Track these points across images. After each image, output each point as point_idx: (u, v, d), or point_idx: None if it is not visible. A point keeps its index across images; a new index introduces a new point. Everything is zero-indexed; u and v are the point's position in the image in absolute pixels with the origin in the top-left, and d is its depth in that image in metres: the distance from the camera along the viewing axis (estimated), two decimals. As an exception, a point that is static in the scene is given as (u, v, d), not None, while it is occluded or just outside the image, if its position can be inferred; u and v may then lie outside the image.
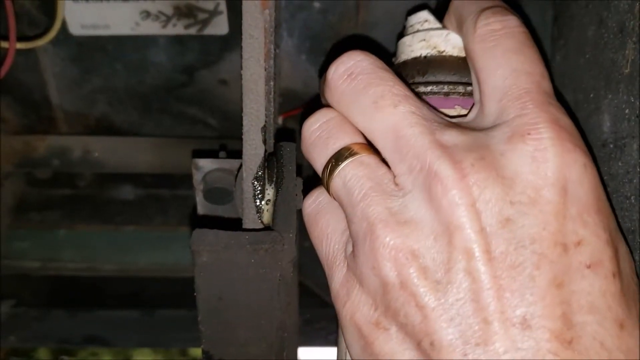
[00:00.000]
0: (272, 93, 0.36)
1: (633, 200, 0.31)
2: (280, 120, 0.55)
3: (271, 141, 0.35)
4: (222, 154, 0.41)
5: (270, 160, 0.35)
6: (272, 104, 0.35)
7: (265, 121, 0.33)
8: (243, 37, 0.32)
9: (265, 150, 0.33)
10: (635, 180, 0.31)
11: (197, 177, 0.40)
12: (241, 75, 0.33)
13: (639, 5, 0.33)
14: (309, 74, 0.55)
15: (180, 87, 0.55)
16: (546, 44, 0.46)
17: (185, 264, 0.60)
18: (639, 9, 0.33)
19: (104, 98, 0.56)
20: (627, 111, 0.33)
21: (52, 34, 0.44)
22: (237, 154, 0.39)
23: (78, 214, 0.63)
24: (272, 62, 0.35)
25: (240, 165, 0.34)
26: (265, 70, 0.33)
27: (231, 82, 0.55)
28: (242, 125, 0.33)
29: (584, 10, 0.39)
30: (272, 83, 0.35)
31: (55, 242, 0.64)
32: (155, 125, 0.58)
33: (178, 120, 0.58)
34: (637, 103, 0.32)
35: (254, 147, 0.33)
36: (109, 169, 0.55)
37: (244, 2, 0.32)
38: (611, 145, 0.35)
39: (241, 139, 0.34)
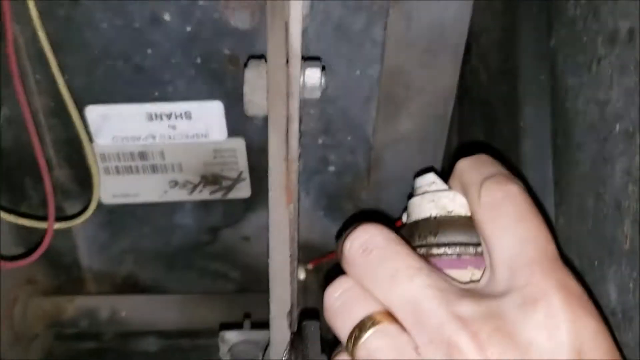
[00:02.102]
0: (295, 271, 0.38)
1: (645, 376, 0.32)
2: (309, 267, 0.57)
3: (296, 322, 0.37)
4: (246, 323, 0.43)
5: (296, 340, 0.37)
6: (296, 284, 0.37)
7: (291, 304, 0.35)
8: (270, 228, 0.35)
9: (291, 333, 0.35)
10: (646, 356, 0.32)
11: (223, 349, 0.42)
12: (268, 260, 0.36)
13: (632, 185, 0.35)
14: (325, 228, 0.58)
15: (204, 245, 0.58)
16: (549, 202, 0.48)
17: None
18: (632, 189, 0.35)
19: (131, 258, 0.58)
20: (631, 285, 0.35)
21: (88, 213, 0.48)
22: (261, 324, 0.41)
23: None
24: (295, 245, 0.37)
25: (267, 345, 0.36)
26: (290, 256, 0.35)
27: (253, 238, 0.58)
28: (269, 309, 0.35)
29: (582, 181, 0.42)
30: (295, 264, 0.38)
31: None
32: (179, 281, 0.60)
33: (202, 275, 0.60)
34: (640, 280, 0.33)
35: (280, 333, 0.34)
36: (135, 327, 0.57)
37: (270, 198, 0.35)
38: (620, 315, 0.36)
39: (265, 300, 0.36)
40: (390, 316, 0.30)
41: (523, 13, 0.50)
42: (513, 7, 0.51)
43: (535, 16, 0.49)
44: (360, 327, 0.30)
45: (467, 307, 0.28)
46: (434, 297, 0.29)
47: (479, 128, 0.60)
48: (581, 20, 0.42)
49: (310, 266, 0.58)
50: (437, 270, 0.32)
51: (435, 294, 0.29)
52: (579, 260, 0.42)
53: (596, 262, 0.39)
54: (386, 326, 0.30)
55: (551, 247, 0.30)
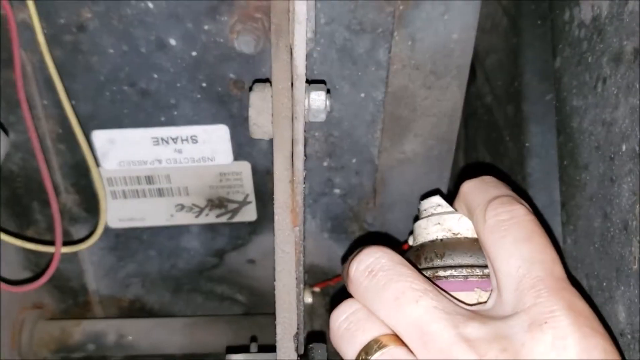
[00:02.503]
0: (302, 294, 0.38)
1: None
2: (316, 289, 0.57)
3: (302, 344, 0.37)
4: (253, 346, 0.43)
5: (303, 364, 0.36)
6: (302, 307, 0.37)
7: (298, 327, 0.35)
8: (276, 251, 0.35)
9: (298, 356, 0.35)
10: (656, 379, 0.32)
11: (230, 372, 0.41)
12: (274, 282, 0.36)
13: (639, 206, 0.35)
14: (331, 250, 0.58)
15: (210, 269, 0.58)
16: (556, 221, 0.48)
17: None
18: (639, 209, 0.35)
19: (137, 282, 0.58)
20: (640, 306, 0.35)
21: (95, 237, 0.48)
22: (267, 347, 0.41)
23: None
24: (301, 268, 0.37)
25: (274, 369, 0.36)
26: (296, 278, 0.35)
27: (259, 261, 0.58)
28: (275, 332, 0.35)
29: (589, 202, 0.41)
30: (301, 286, 0.38)
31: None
32: (185, 304, 0.60)
33: (208, 298, 0.60)
34: (650, 301, 0.33)
35: (287, 355, 0.34)
36: (142, 351, 0.57)
37: (276, 220, 0.35)
38: (629, 336, 0.36)
39: (272, 322, 0.36)
40: (397, 339, 0.30)
41: (528, 35, 0.51)
42: (518, 29, 0.52)
43: (539, 37, 0.50)
44: (367, 351, 0.30)
45: (474, 329, 0.28)
46: (441, 319, 0.29)
47: (485, 149, 0.60)
48: (586, 41, 0.42)
49: (316, 289, 0.58)
50: (444, 292, 0.32)
51: (441, 316, 0.29)
52: (587, 281, 0.41)
53: (604, 283, 0.39)
54: (393, 349, 0.30)
55: (558, 268, 0.30)
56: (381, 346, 0.30)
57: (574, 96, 0.44)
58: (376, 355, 0.30)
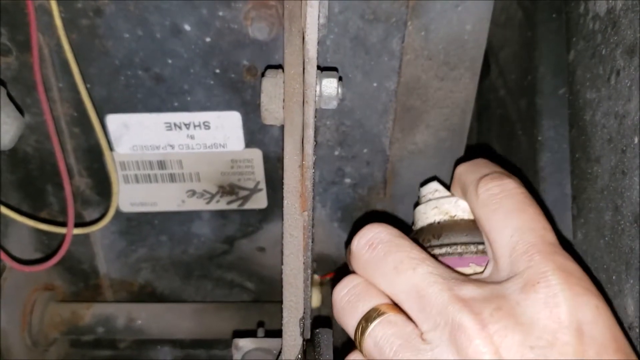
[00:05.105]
0: (309, 280, 0.38)
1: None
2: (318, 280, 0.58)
3: (308, 329, 0.37)
4: (260, 331, 0.43)
5: (309, 347, 0.37)
6: (309, 291, 0.37)
7: (304, 311, 0.35)
8: (284, 235, 0.35)
9: (303, 340, 0.35)
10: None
11: (236, 356, 0.42)
12: (282, 266, 0.36)
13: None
14: (340, 240, 0.58)
15: (220, 255, 0.58)
16: (567, 215, 0.48)
17: None
18: (650, 202, 0.35)
19: (148, 266, 0.59)
20: (649, 299, 0.34)
21: (107, 220, 0.48)
22: (274, 333, 0.41)
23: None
24: (309, 253, 0.37)
25: (279, 353, 0.36)
26: (304, 263, 0.35)
27: (268, 249, 0.58)
28: (282, 317, 0.35)
29: (600, 195, 0.41)
30: (309, 271, 0.38)
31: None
32: (195, 290, 0.61)
33: (217, 285, 0.60)
34: (658, 295, 0.33)
35: (293, 339, 0.35)
36: (151, 336, 0.57)
37: (285, 205, 0.35)
38: (637, 330, 0.36)
39: (280, 309, 0.36)
40: (396, 307, 0.31)
41: (542, 28, 0.50)
42: (532, 23, 0.52)
43: (554, 31, 0.50)
44: (367, 319, 0.31)
45: (469, 291, 0.29)
46: (436, 283, 0.30)
47: (498, 142, 0.60)
48: (600, 33, 0.42)
49: (323, 278, 0.58)
50: (440, 262, 0.33)
51: (437, 280, 0.30)
52: (597, 275, 0.41)
53: (614, 276, 0.39)
54: (391, 316, 0.31)
55: (550, 234, 0.31)
56: (380, 314, 0.31)
57: (587, 89, 0.44)
58: (375, 322, 0.31)
